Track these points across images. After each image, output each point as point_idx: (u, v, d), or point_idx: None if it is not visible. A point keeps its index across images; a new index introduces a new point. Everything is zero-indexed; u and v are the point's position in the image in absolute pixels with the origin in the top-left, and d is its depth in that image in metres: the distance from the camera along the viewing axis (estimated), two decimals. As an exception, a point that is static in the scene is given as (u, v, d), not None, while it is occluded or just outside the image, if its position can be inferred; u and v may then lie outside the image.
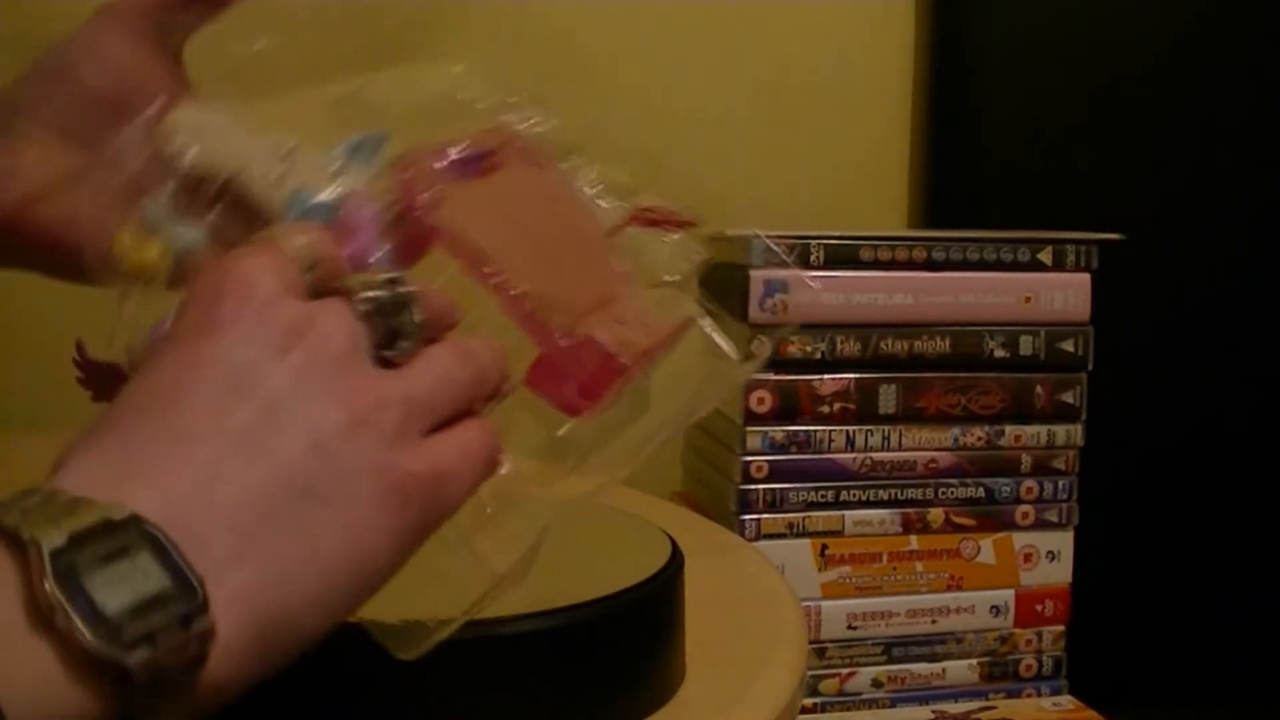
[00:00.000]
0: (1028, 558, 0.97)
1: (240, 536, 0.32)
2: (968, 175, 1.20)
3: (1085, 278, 0.96)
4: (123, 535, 0.29)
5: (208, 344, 0.34)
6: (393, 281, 0.37)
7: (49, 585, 0.28)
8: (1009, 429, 0.95)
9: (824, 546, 0.93)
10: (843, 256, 0.92)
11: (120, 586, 0.29)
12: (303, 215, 0.41)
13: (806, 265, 0.91)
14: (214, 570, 0.31)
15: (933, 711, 0.95)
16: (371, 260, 0.40)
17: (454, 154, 0.43)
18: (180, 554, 0.30)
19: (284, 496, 0.33)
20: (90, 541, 0.29)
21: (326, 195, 0.41)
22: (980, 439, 0.95)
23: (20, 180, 0.45)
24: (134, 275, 0.41)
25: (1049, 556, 0.97)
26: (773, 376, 0.91)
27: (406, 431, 0.35)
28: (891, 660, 0.95)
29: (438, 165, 0.43)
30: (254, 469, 0.33)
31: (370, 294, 0.36)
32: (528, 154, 0.45)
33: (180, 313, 0.35)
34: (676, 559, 0.53)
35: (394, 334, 0.37)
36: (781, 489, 0.92)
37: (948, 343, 0.94)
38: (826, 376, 0.92)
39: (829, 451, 0.93)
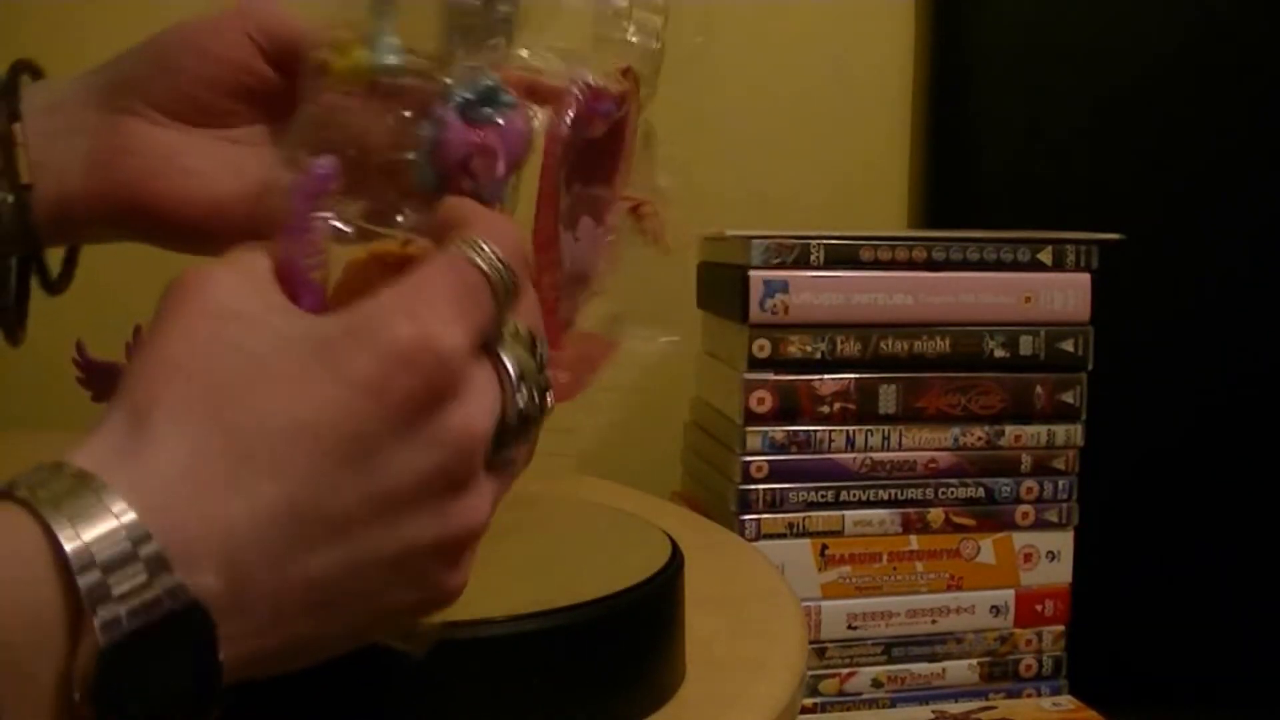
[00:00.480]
0: (1028, 558, 0.97)
1: (280, 616, 0.31)
2: (968, 175, 1.20)
3: (1085, 278, 0.96)
4: (179, 630, 0.29)
5: (364, 409, 0.31)
6: (543, 396, 0.36)
7: (87, 689, 0.28)
8: (1009, 429, 0.95)
9: (824, 546, 0.93)
10: (843, 256, 0.92)
11: (148, 694, 0.29)
12: (473, 107, 0.39)
13: (806, 265, 0.91)
14: (239, 639, 0.30)
15: (933, 711, 0.95)
16: (499, 172, 0.39)
17: (600, 96, 0.42)
18: (216, 650, 0.30)
19: (341, 594, 0.32)
20: (146, 640, 0.28)
21: (490, 80, 0.40)
22: (980, 439, 0.95)
23: (133, 157, 0.45)
24: (334, 80, 0.40)
25: (1049, 556, 0.97)
26: (773, 376, 0.91)
27: (473, 552, 0.35)
28: (891, 660, 0.95)
29: (581, 102, 0.42)
30: (330, 559, 0.32)
31: (523, 406, 0.35)
32: (633, 117, 0.44)
33: (363, 340, 0.32)
34: (676, 559, 0.53)
35: (507, 440, 0.35)
36: (781, 489, 0.92)
37: (948, 343, 0.94)
38: (826, 376, 0.92)
39: (829, 451, 0.92)
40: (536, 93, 0.42)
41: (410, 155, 0.39)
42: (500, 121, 0.40)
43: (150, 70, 0.45)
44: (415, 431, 0.32)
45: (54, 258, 0.48)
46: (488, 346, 0.35)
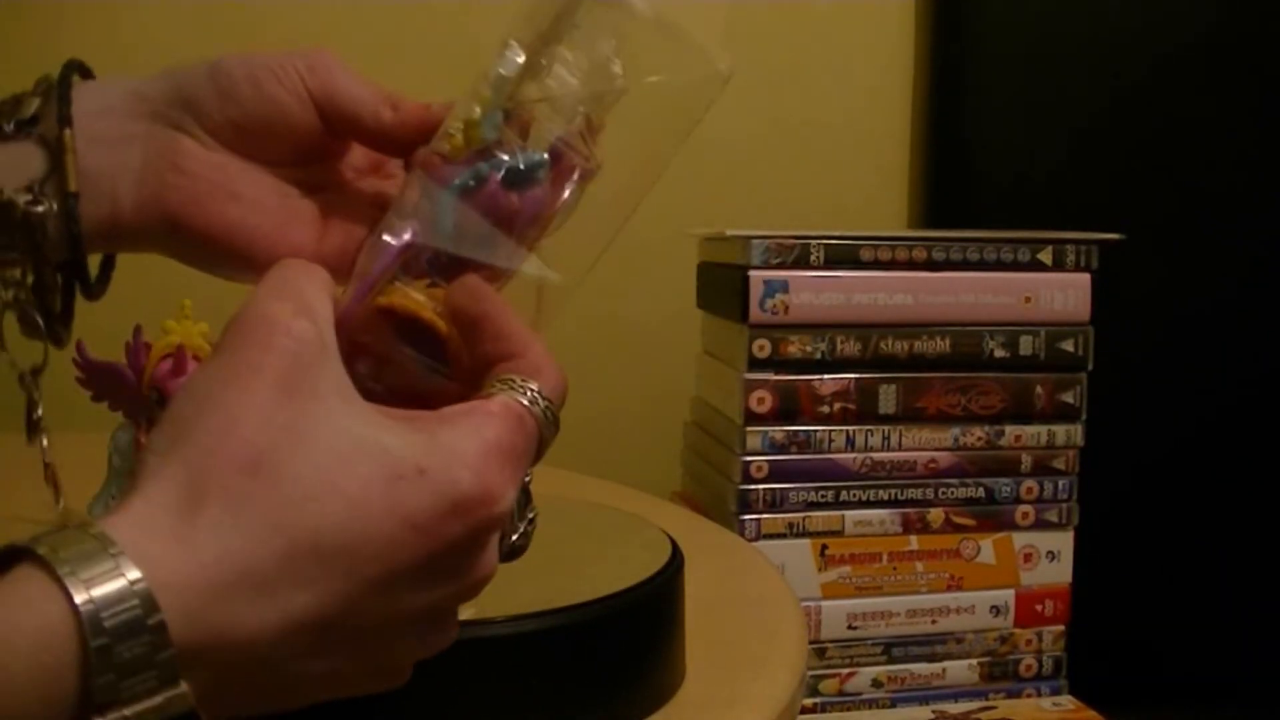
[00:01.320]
0: (1028, 558, 0.97)
1: (259, 699, 0.33)
2: (968, 176, 1.20)
3: (1085, 278, 0.96)
4: (172, 709, 0.30)
5: (410, 545, 0.33)
6: (532, 527, 0.39)
7: None
8: (1009, 429, 0.95)
9: (824, 546, 0.93)
10: (843, 256, 0.92)
11: None
12: (515, 176, 0.42)
13: (806, 265, 0.91)
14: (217, 707, 0.31)
15: (933, 711, 0.95)
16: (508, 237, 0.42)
17: (589, 164, 0.44)
18: None
19: (318, 686, 0.34)
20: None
21: (539, 157, 0.42)
22: (980, 439, 0.95)
23: (185, 176, 0.44)
24: (452, 151, 0.42)
25: (1049, 556, 0.97)
26: (773, 376, 0.91)
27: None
28: (891, 660, 0.95)
29: (580, 177, 0.44)
30: (325, 665, 0.33)
31: (515, 539, 0.38)
32: None
33: (430, 482, 0.33)
34: (676, 559, 0.53)
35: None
36: (781, 489, 0.92)
37: (948, 343, 0.94)
38: (826, 376, 0.92)
39: (829, 451, 0.92)
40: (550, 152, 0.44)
41: (440, 193, 0.41)
42: (523, 191, 0.42)
43: (210, 94, 0.45)
44: (443, 569, 0.34)
45: (90, 262, 0.48)
46: None
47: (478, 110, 0.42)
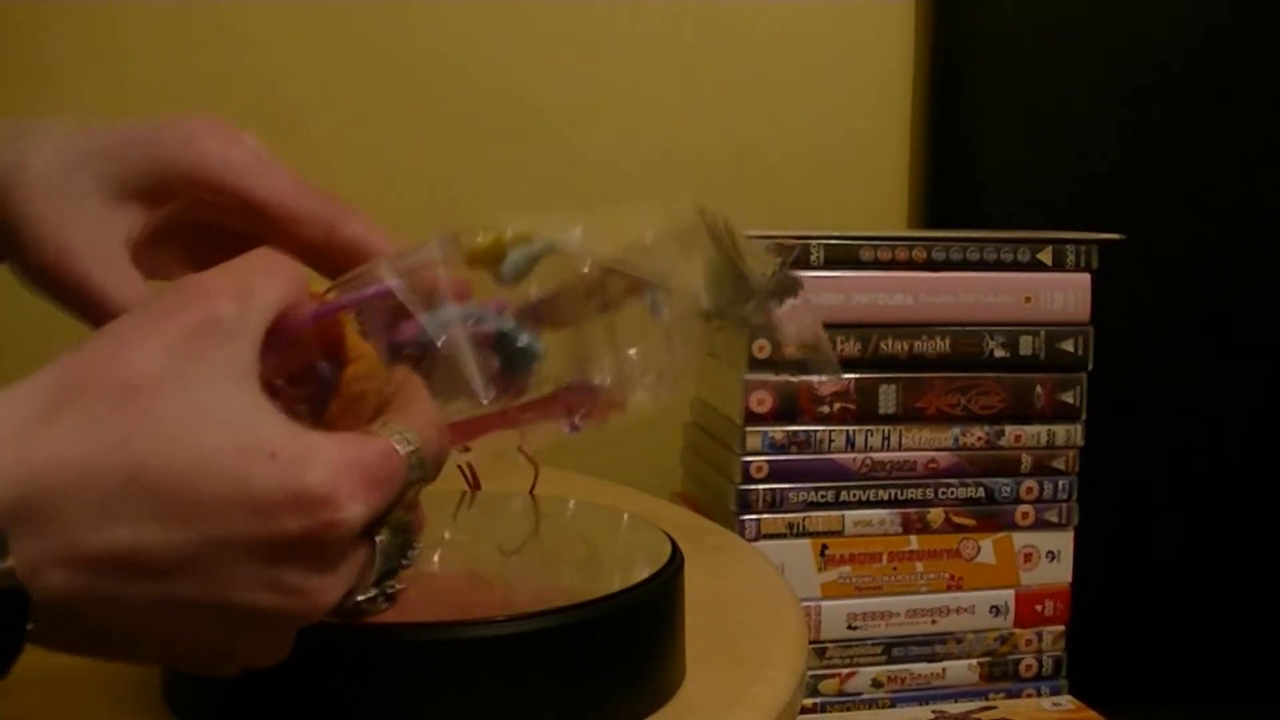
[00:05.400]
0: (1028, 558, 0.97)
1: (77, 629, 0.33)
2: (968, 175, 1.20)
3: (1085, 278, 0.96)
4: None
5: (242, 521, 0.33)
6: (388, 599, 0.38)
7: None
8: (1009, 429, 0.95)
9: (824, 546, 0.93)
10: (843, 256, 0.92)
11: None
12: (514, 352, 0.44)
13: (806, 265, 0.91)
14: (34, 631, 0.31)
15: (933, 711, 0.95)
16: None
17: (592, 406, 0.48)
18: (23, 635, 0.31)
19: (138, 643, 0.34)
20: None
21: (525, 341, 0.45)
22: (980, 439, 0.95)
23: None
24: (467, 250, 0.44)
25: (1049, 556, 0.97)
26: (773, 377, 0.91)
27: None
28: (891, 660, 0.95)
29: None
30: (142, 618, 0.33)
31: (361, 600, 0.37)
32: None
33: (282, 467, 0.33)
34: (676, 559, 0.53)
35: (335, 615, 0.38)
36: (781, 489, 0.92)
37: (948, 343, 0.94)
38: (826, 376, 0.92)
39: (829, 451, 0.92)
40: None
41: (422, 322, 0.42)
42: (503, 361, 0.44)
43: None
44: (276, 568, 0.34)
45: None
46: (371, 529, 0.36)
47: (511, 232, 0.44)
